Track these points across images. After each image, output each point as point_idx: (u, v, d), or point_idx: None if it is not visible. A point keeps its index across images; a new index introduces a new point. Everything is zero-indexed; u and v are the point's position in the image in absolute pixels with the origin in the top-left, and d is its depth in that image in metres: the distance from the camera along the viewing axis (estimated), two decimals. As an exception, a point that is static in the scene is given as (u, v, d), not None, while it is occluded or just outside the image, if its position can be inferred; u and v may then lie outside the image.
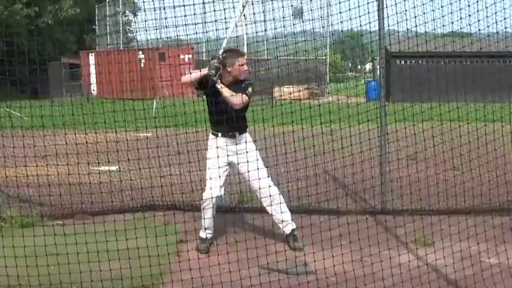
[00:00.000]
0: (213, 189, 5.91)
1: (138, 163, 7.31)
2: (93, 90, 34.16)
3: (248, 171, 5.92)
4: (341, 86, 16.54)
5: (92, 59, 35.50)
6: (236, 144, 5.93)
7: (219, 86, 5.81)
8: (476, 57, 24.35)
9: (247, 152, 5.84)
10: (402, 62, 26.86)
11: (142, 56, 32.58)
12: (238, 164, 5.95)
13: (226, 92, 5.82)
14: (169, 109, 7.02)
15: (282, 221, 6.07)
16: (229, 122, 5.77)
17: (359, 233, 5.68)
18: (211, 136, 6.09)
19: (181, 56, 32.01)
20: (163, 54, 31.68)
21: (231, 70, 5.88)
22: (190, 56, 32.64)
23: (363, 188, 7.67)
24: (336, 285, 4.94)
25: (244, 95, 5.83)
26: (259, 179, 5.85)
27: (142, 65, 32.56)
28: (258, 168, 5.86)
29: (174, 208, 7.47)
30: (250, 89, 5.90)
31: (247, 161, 5.84)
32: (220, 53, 5.98)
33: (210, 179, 5.92)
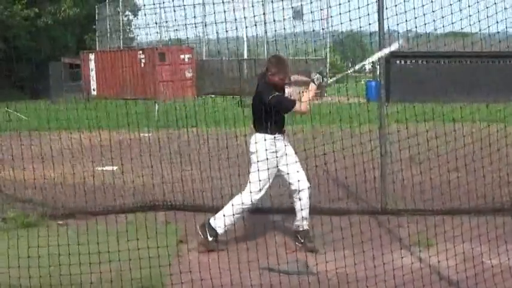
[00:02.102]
0: (262, 191, 5.91)
1: (140, 163, 7.32)
2: (94, 90, 34.18)
3: (291, 169, 5.97)
4: (341, 87, 16.50)
5: (92, 59, 35.50)
6: (285, 141, 6.04)
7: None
8: (476, 57, 24.38)
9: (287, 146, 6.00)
10: (402, 62, 26.87)
11: (142, 56, 32.58)
12: (288, 159, 5.98)
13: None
14: (170, 112, 7.01)
15: (302, 218, 6.06)
16: (283, 121, 6.00)
17: (360, 235, 5.67)
18: (266, 137, 5.91)
19: (181, 56, 32.06)
20: (163, 54, 31.70)
21: (280, 80, 5.92)
22: (190, 56, 32.68)
23: (364, 189, 7.66)
24: (337, 287, 4.93)
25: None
26: (288, 173, 5.95)
27: (142, 65, 32.57)
28: (287, 164, 5.96)
29: (175, 208, 7.47)
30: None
31: (287, 154, 5.95)
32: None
33: (261, 180, 5.85)
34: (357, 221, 6.22)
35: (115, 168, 8.76)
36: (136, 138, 7.81)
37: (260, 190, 5.88)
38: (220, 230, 5.96)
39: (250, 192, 5.88)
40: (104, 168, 8.70)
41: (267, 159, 5.78)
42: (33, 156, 7.33)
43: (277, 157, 5.91)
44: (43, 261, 5.05)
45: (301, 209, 6.01)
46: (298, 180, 5.90)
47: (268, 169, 5.81)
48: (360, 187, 7.78)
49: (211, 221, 5.98)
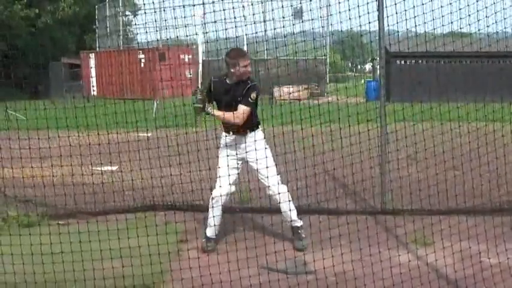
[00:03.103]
0: (223, 187, 5.95)
1: (139, 163, 7.33)
2: (93, 90, 34.20)
3: (258, 169, 5.97)
4: (340, 86, 16.54)
5: (92, 59, 35.51)
6: (246, 142, 5.96)
7: (212, 112, 5.85)
8: (476, 57, 24.38)
9: (257, 150, 5.92)
10: (402, 62, 26.87)
11: (142, 56, 32.59)
12: (248, 161, 6.04)
13: (221, 114, 5.89)
14: (169, 110, 7.02)
15: (291, 220, 6.11)
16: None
17: (359, 233, 5.68)
18: (222, 134, 6.12)
19: (181, 56, 32.06)
20: (164, 54, 31.70)
21: (234, 71, 5.90)
22: (190, 56, 32.69)
23: (363, 188, 7.67)
24: (335, 285, 4.94)
25: (244, 108, 5.83)
26: (267, 177, 5.93)
27: (142, 65, 32.57)
28: (267, 167, 5.90)
29: (175, 208, 7.49)
30: (253, 95, 5.87)
31: (257, 159, 5.90)
32: (199, 87, 5.93)
33: (220, 177, 5.97)
34: (356, 219, 6.23)
35: (114, 168, 8.77)
36: (135, 138, 7.81)
37: (220, 185, 5.94)
38: (207, 232, 6.08)
39: (215, 187, 6.03)
40: (104, 168, 8.71)
41: (227, 156, 5.97)
42: (32, 156, 7.33)
43: (237, 155, 5.99)
44: (46, 258, 5.08)
45: (287, 210, 6.07)
46: (274, 184, 5.96)
47: (227, 166, 5.92)
48: (359, 186, 7.80)
49: (208, 231, 6.12)
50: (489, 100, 8.41)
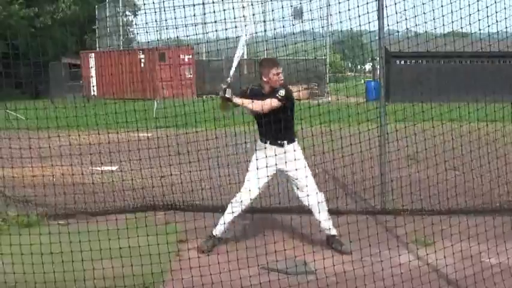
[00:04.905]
0: (252, 191, 5.97)
1: (139, 163, 7.33)
2: (93, 90, 34.16)
3: (298, 178, 5.97)
4: (340, 86, 16.54)
5: (92, 59, 35.49)
6: (285, 153, 5.92)
7: (235, 99, 5.88)
8: (476, 57, 24.36)
9: (296, 160, 5.92)
10: (402, 62, 26.86)
11: (142, 56, 32.57)
12: (287, 171, 6.01)
13: (245, 102, 5.90)
14: (169, 110, 7.03)
15: (329, 228, 6.11)
16: (276, 131, 5.87)
17: (359, 233, 5.68)
18: (259, 143, 6.09)
19: (181, 56, 32.03)
20: (164, 54, 31.69)
21: (267, 80, 5.96)
22: (190, 56, 32.68)
23: (363, 188, 7.67)
24: (335, 285, 4.94)
25: (272, 99, 5.86)
26: (306, 185, 5.95)
27: (142, 65, 32.56)
28: (306, 176, 5.94)
29: (175, 208, 7.48)
30: (282, 92, 5.89)
31: (296, 168, 5.91)
32: (230, 73, 6.00)
33: (249, 180, 5.98)
34: (356, 219, 6.22)
35: (114, 168, 8.76)
36: (135, 138, 7.80)
37: (250, 190, 5.96)
38: (216, 230, 6.06)
39: (244, 189, 6.02)
40: (104, 168, 8.70)
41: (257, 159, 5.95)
42: (32, 155, 7.33)
43: (276, 165, 5.95)
44: (46, 258, 5.08)
45: (326, 219, 6.07)
46: (313, 194, 6.00)
47: (266, 171, 5.89)
48: (359, 186, 7.79)
49: (216, 231, 6.10)
50: (489, 100, 8.40)
